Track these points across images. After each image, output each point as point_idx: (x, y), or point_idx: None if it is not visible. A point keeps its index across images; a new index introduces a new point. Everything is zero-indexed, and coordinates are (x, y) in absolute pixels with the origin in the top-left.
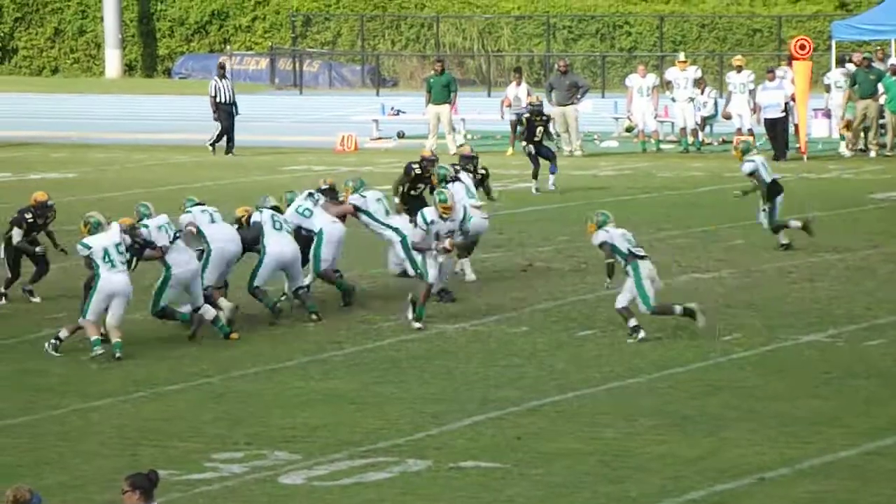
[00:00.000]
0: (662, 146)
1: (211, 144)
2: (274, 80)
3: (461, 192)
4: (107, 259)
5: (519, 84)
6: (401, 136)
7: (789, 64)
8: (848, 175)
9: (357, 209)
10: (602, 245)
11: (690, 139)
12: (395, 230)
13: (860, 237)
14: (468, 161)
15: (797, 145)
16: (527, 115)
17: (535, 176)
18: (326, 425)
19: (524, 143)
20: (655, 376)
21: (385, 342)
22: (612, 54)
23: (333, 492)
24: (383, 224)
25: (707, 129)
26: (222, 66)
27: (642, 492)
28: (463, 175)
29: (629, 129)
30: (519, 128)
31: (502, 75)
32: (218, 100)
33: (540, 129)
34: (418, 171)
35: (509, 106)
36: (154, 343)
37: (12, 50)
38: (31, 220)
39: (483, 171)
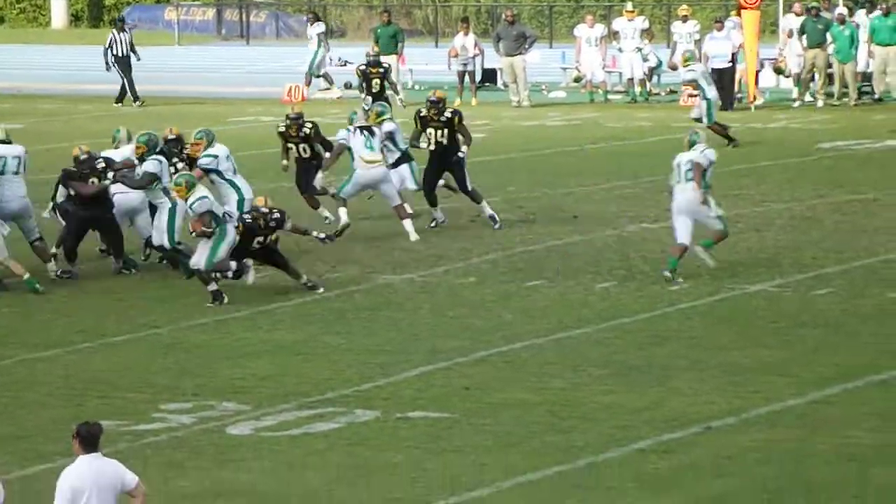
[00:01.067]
0: (610, 96)
1: (118, 101)
2: (221, 31)
3: (357, 142)
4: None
5: (466, 34)
6: (348, 86)
7: (738, 13)
8: (795, 125)
9: (206, 171)
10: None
11: (638, 89)
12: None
13: (807, 187)
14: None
15: (741, 95)
16: (362, 66)
17: None
18: (274, 376)
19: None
20: (603, 326)
21: (332, 293)
22: (559, 4)
23: (281, 442)
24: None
25: (654, 79)
26: (121, 20)
27: (589, 441)
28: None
29: (577, 80)
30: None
31: (450, 26)
32: (115, 52)
33: (376, 81)
34: (282, 130)
35: (456, 56)
36: (102, 293)
37: None
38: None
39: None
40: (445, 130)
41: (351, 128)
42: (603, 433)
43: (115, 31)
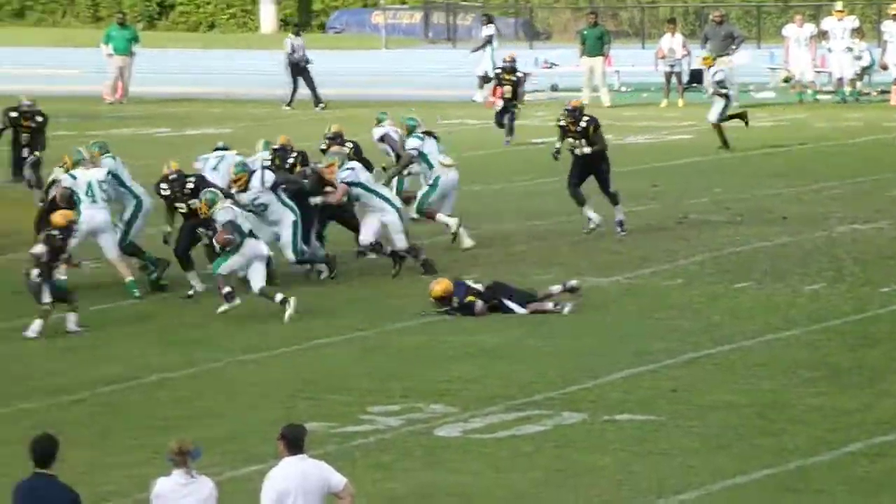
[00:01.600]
0: (819, 97)
1: (288, 104)
2: (427, 34)
3: (432, 147)
4: (89, 193)
5: (673, 35)
6: (554, 88)
7: None
8: None
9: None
10: None
11: (848, 89)
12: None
13: None
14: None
15: None
16: (497, 71)
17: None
18: (480, 378)
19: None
20: (812, 328)
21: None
22: (768, 4)
23: (489, 444)
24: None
25: (865, 79)
26: (297, 25)
27: (798, 444)
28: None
29: (787, 80)
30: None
31: (656, 27)
32: (293, 57)
33: (508, 87)
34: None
35: (663, 58)
36: (309, 297)
37: (169, 6)
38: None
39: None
40: (583, 140)
41: (420, 134)
42: (813, 436)
43: (291, 36)
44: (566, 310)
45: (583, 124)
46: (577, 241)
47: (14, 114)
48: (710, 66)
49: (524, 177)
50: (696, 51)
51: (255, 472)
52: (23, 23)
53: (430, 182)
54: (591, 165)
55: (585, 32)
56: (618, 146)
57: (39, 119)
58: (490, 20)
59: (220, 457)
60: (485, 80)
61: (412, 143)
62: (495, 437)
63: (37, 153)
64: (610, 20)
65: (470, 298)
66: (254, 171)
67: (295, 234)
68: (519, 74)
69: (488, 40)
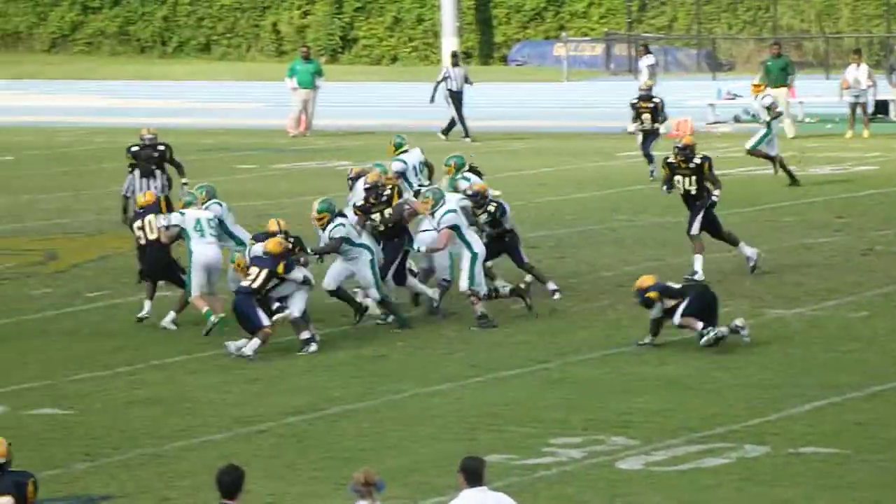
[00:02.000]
0: None
1: (443, 132)
2: (609, 66)
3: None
4: (198, 229)
5: (858, 66)
6: (737, 120)
7: None
8: None
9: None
10: None
11: None
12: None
13: None
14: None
15: None
16: (633, 100)
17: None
18: (663, 410)
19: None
20: None
21: (723, 327)
22: None
23: (671, 477)
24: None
25: None
26: (455, 55)
27: None
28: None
29: None
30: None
31: (840, 57)
32: (448, 87)
33: (647, 115)
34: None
35: (848, 88)
36: (494, 329)
37: (352, 40)
38: None
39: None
40: (693, 178)
41: (404, 159)
42: None
43: (449, 66)
44: (745, 337)
45: (696, 161)
46: (759, 272)
47: (135, 147)
48: (759, 94)
49: None
50: (882, 82)
51: (435, 503)
52: (209, 57)
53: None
54: (697, 205)
55: (769, 63)
56: (802, 177)
57: (161, 148)
58: (647, 50)
59: (402, 489)
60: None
61: (396, 165)
62: (678, 470)
63: (183, 181)
64: (794, 51)
65: (652, 295)
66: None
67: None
68: (656, 100)
69: (651, 70)
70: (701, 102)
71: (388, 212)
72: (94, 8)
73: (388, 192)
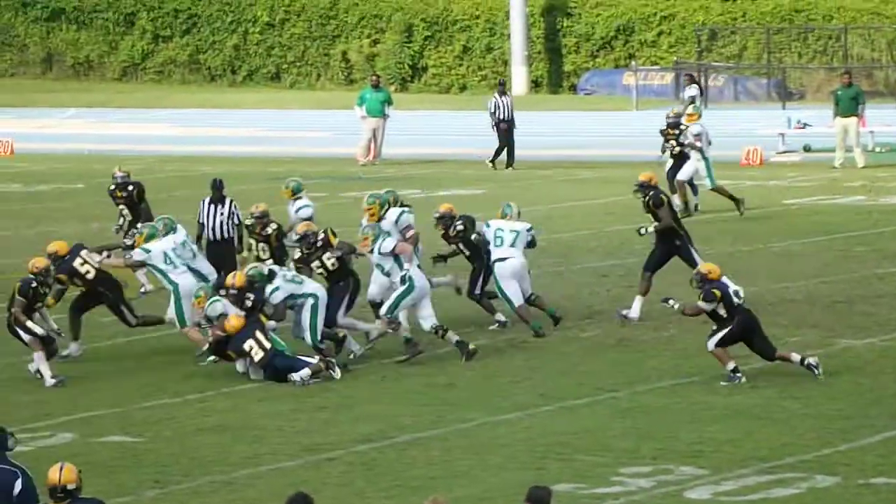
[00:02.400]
0: None
1: (490, 161)
2: (679, 95)
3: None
4: (168, 262)
5: None
6: (807, 149)
7: None
8: None
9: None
10: None
11: None
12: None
13: None
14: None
15: None
16: (662, 127)
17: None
18: (732, 440)
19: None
20: None
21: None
22: None
23: None
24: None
25: None
26: (502, 84)
27: None
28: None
29: None
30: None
31: None
32: (497, 116)
33: (673, 142)
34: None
35: None
36: (559, 358)
37: (422, 68)
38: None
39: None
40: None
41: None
42: None
43: (497, 94)
44: (817, 371)
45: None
46: (829, 303)
47: (112, 186)
48: (690, 123)
49: (775, 238)
50: None
51: None
52: (279, 85)
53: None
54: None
55: (839, 92)
56: (873, 207)
57: (130, 188)
58: (693, 80)
59: None
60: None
61: (305, 212)
62: (747, 500)
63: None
64: (864, 80)
65: (716, 293)
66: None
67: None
68: (683, 126)
69: (692, 100)
70: (771, 132)
71: (327, 256)
72: (165, 37)
73: (321, 236)
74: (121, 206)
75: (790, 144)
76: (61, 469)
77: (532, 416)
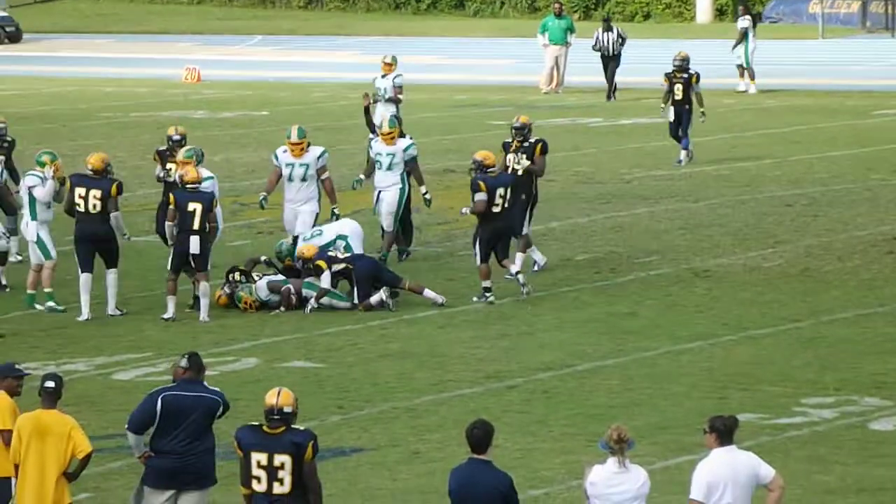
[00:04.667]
0: None
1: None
2: (865, 24)
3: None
4: None
5: None
6: None
7: None
8: None
9: None
10: None
11: None
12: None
13: None
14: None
15: None
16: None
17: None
18: None
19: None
20: None
21: None
22: None
23: None
24: None
25: None
26: (607, 19)
27: None
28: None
29: None
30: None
31: None
32: (602, 52)
33: (679, 86)
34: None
35: None
36: (741, 287)
37: None
38: None
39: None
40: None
41: None
42: None
43: (600, 29)
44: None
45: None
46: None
47: (163, 147)
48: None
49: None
50: None
51: (685, 462)
52: (462, 13)
53: None
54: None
55: None
56: None
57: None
58: (747, 10)
59: (651, 446)
60: (742, 69)
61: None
62: None
63: None
64: None
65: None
66: None
67: None
68: (691, 72)
69: (744, 32)
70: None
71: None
72: None
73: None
74: (169, 166)
75: None
76: (279, 393)
77: (714, 346)
